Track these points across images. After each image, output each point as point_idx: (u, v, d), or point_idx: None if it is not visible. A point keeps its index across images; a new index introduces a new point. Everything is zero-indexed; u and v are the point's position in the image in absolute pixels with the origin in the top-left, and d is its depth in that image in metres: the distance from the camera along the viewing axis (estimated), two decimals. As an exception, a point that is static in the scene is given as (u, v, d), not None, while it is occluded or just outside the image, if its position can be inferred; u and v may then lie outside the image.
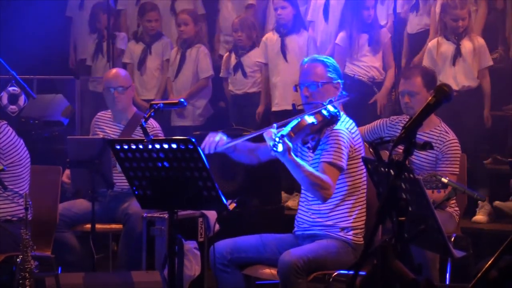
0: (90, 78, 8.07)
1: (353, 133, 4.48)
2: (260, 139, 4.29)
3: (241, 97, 7.41)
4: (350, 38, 6.85)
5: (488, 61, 6.45)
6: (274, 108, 7.21)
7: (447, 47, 6.44)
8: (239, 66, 7.38)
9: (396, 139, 2.96)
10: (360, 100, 6.26)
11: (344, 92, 4.56)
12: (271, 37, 7.25)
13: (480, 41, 6.45)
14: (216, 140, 4.41)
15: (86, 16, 8.20)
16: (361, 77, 6.78)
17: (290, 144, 4.11)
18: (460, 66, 6.38)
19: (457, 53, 6.40)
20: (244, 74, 7.35)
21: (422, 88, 5.05)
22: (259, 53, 7.31)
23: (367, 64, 6.82)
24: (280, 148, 4.07)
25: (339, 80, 4.56)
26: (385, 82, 6.82)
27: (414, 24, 7.05)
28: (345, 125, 4.46)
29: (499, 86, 6.60)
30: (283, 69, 7.14)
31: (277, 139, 4.07)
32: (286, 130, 4.14)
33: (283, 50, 7.12)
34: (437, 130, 5.08)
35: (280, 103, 7.13)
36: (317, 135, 4.32)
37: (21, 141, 5.16)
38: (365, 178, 4.50)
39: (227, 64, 7.48)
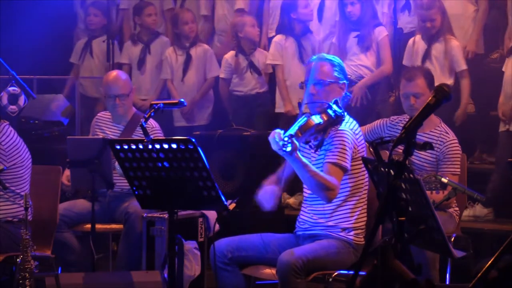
0: (79, 79, 8.04)
1: (357, 134, 4.49)
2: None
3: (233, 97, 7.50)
4: (338, 37, 6.85)
5: (461, 65, 6.42)
6: (279, 110, 7.21)
7: (421, 47, 6.46)
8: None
9: (396, 139, 2.96)
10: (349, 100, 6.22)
11: (348, 93, 4.57)
12: (282, 39, 7.20)
13: (454, 44, 6.43)
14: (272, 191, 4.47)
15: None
16: (349, 76, 6.71)
17: (297, 143, 4.12)
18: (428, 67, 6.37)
19: (426, 55, 6.41)
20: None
21: (426, 89, 5.05)
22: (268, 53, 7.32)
23: (356, 63, 6.77)
24: (289, 148, 4.07)
25: (344, 81, 4.57)
26: (369, 76, 6.75)
27: (405, 23, 6.99)
28: (349, 125, 4.47)
29: (499, 87, 6.59)
30: (298, 71, 7.13)
31: (286, 139, 4.07)
32: (294, 129, 4.14)
33: (300, 51, 7.11)
34: (437, 131, 5.08)
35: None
36: (320, 135, 4.32)
37: (23, 141, 5.17)
38: (367, 179, 4.50)
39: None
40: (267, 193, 4.53)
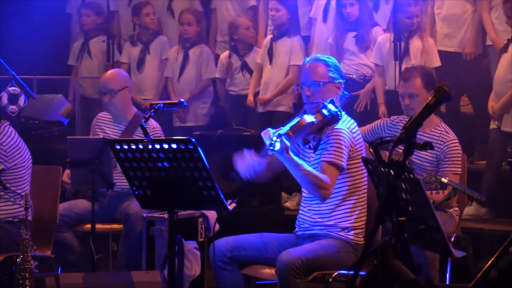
0: (79, 79, 8.04)
1: (354, 132, 4.48)
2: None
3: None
4: (336, 37, 6.85)
5: (435, 62, 6.45)
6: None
7: (389, 45, 6.46)
8: None
9: (396, 139, 2.97)
10: (352, 99, 6.23)
11: (345, 92, 4.57)
12: (266, 39, 7.30)
13: (430, 41, 6.49)
14: (250, 161, 4.37)
15: None
16: (352, 75, 6.73)
17: (288, 143, 4.12)
18: (407, 65, 6.34)
19: (405, 52, 6.41)
20: None
21: (422, 90, 5.04)
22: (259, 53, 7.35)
23: (356, 62, 6.79)
24: (277, 147, 4.08)
25: (340, 80, 4.56)
26: (372, 79, 6.78)
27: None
28: (346, 124, 4.46)
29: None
30: (267, 72, 7.19)
31: (274, 138, 4.08)
32: (285, 129, 4.16)
33: (270, 53, 7.15)
34: (438, 130, 5.08)
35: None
36: (318, 135, 4.33)
37: (23, 142, 5.16)
38: (365, 178, 4.50)
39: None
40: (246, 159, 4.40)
